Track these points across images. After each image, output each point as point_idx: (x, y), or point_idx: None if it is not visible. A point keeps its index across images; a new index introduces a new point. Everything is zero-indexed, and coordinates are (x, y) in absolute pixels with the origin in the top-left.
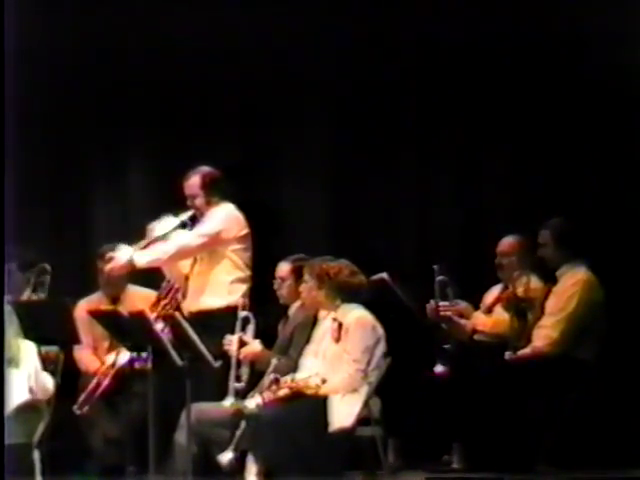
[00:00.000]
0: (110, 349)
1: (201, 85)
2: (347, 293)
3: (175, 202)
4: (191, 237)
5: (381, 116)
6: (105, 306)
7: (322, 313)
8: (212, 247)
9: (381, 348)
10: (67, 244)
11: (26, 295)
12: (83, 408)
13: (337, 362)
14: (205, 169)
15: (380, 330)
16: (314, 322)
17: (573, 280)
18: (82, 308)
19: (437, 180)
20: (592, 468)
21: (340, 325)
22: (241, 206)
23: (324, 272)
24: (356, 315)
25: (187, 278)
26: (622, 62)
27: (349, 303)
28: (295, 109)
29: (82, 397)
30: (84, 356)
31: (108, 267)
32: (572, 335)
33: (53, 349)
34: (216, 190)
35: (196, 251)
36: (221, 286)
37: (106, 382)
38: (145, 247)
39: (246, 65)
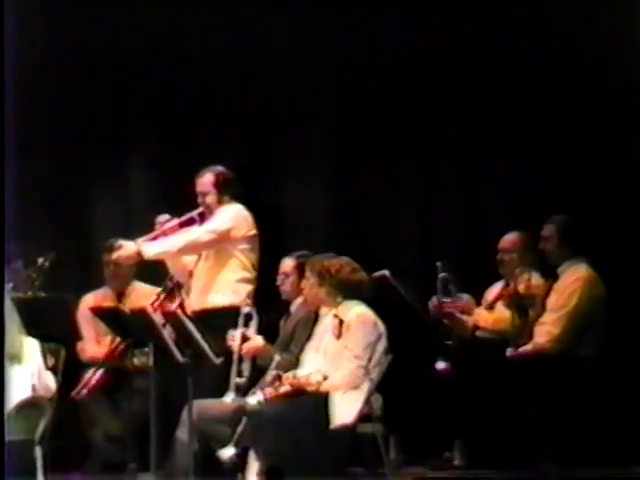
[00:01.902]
0: (113, 342)
1: (205, 85)
2: (348, 290)
3: (178, 201)
4: (201, 233)
5: (383, 115)
6: (110, 301)
7: (323, 309)
8: (221, 244)
9: (382, 345)
10: (69, 240)
11: (27, 292)
12: (81, 393)
13: (338, 359)
14: (219, 168)
15: (381, 327)
16: (315, 318)
17: (574, 277)
18: (87, 302)
19: (439, 177)
20: (594, 465)
21: (341, 322)
22: (246, 205)
23: (325, 269)
24: (357, 312)
25: (191, 274)
26: (626, 59)
27: (350, 300)
28: (297, 109)
29: (82, 383)
30: (88, 346)
31: (115, 255)
32: (573, 332)
33: (54, 346)
34: (228, 190)
35: (205, 247)
36: (226, 285)
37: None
38: (154, 239)
39: (249, 66)
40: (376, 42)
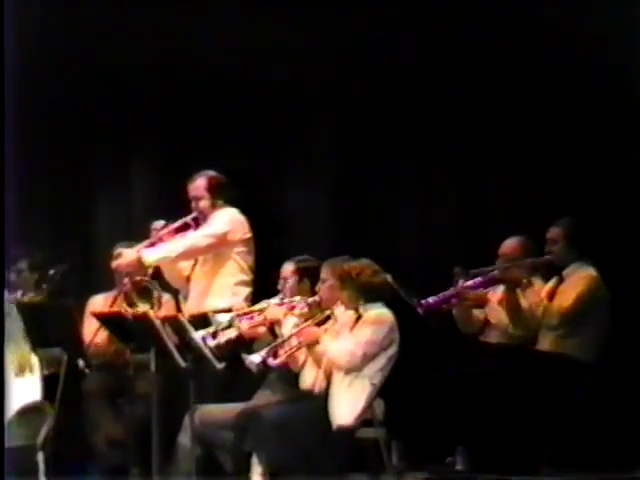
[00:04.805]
0: None
1: (205, 89)
2: (370, 293)
3: (178, 205)
4: (198, 237)
5: (383, 118)
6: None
7: (338, 309)
8: (219, 248)
9: (392, 350)
10: (70, 245)
11: (30, 295)
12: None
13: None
14: (211, 173)
15: (396, 334)
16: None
17: (579, 279)
18: (97, 302)
19: (441, 181)
20: (596, 470)
21: (359, 317)
22: (245, 209)
23: (346, 273)
24: (378, 312)
25: (188, 280)
26: (630, 62)
27: (373, 303)
28: (298, 112)
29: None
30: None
31: (115, 263)
32: (580, 334)
33: (57, 352)
34: (221, 194)
35: (203, 251)
36: (225, 288)
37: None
38: (152, 245)
39: (249, 69)
40: (377, 44)
